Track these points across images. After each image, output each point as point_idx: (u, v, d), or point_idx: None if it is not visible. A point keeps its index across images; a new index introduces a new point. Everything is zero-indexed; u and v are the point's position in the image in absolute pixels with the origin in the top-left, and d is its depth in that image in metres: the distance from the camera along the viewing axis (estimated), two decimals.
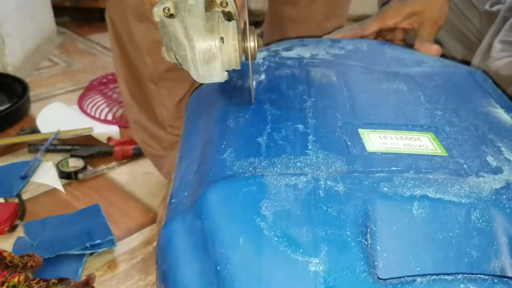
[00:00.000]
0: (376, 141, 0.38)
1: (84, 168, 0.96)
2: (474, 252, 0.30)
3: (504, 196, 0.32)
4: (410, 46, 0.65)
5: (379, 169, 0.34)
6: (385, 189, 0.32)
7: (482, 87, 0.51)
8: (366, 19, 0.65)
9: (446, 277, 0.28)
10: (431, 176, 0.33)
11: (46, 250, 0.72)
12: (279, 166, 0.34)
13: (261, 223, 0.30)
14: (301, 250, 0.28)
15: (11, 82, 1.25)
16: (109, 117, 1.11)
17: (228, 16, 0.40)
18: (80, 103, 1.18)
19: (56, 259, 0.71)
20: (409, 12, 0.63)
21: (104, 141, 1.02)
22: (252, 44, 0.40)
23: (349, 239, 0.29)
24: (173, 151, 0.80)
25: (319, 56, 0.54)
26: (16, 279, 0.60)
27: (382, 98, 0.45)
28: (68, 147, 1.02)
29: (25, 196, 0.89)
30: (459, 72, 0.54)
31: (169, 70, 0.71)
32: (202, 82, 0.39)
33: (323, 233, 0.29)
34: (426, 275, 0.28)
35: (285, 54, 0.55)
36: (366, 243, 0.29)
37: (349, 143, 0.38)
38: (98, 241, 0.73)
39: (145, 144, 0.83)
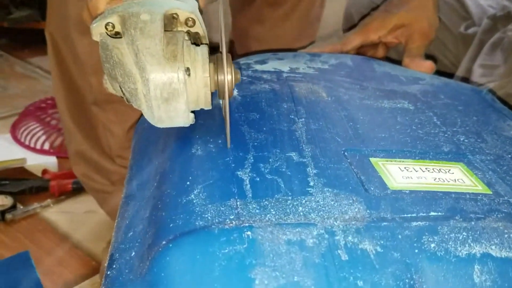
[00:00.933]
0: (397, 174, 0.28)
1: (13, 207, 0.81)
2: None
3: None
4: (396, 62, 0.57)
5: (414, 215, 0.24)
6: (432, 245, 0.22)
7: (495, 107, 0.43)
8: (346, 33, 0.57)
9: None
10: (486, 224, 0.24)
11: None
12: (274, 212, 0.24)
13: None
14: None
15: None
16: (46, 146, 0.97)
17: (195, 40, 0.31)
18: (14, 131, 1.03)
19: None
20: (396, 24, 0.56)
21: (39, 174, 0.88)
22: (229, 77, 0.30)
23: None
24: (122, 187, 0.68)
25: (300, 70, 0.45)
26: None
27: (388, 119, 0.36)
28: None
29: None
30: (464, 91, 0.46)
31: None
32: (159, 125, 0.29)
33: None
34: None
35: (258, 67, 0.45)
36: None
37: (362, 177, 0.28)
38: None
39: (88, 178, 0.70)
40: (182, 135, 0.33)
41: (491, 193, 0.28)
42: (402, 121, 0.36)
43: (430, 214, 0.25)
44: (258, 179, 0.27)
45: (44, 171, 0.88)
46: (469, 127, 0.37)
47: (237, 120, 0.34)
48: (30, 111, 1.10)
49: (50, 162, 0.92)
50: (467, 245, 0.22)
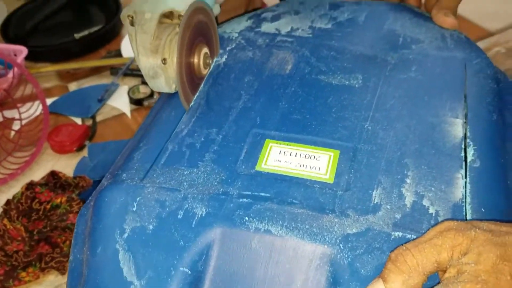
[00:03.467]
0: (274, 156, 0.38)
1: (150, 96, 1.06)
2: None
3: (349, 245, 0.32)
4: None
5: (249, 193, 0.36)
6: (237, 218, 0.34)
7: (463, 84, 0.45)
8: None
9: None
10: (290, 209, 0.34)
11: (98, 173, 0.86)
12: (163, 178, 0.38)
13: (118, 237, 0.34)
14: (132, 271, 0.32)
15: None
16: None
17: None
18: None
19: None
20: None
21: None
22: (196, 60, 0.45)
23: (173, 268, 0.32)
24: None
25: (297, 33, 0.52)
26: (58, 200, 0.75)
27: (322, 98, 0.43)
28: (141, 73, 1.11)
29: (98, 118, 1.03)
30: (453, 60, 0.47)
31: None
32: (154, 89, 0.46)
33: (157, 257, 0.33)
34: None
35: (264, 26, 0.54)
36: (191, 273, 0.32)
37: (244, 156, 0.39)
38: None
39: None
40: (168, 100, 0.47)
41: (332, 183, 0.36)
42: (332, 102, 0.43)
43: (260, 194, 0.35)
44: (176, 149, 0.40)
45: None
46: (395, 111, 0.42)
47: (207, 92, 0.46)
48: None
49: None
50: (261, 221, 0.33)
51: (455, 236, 0.28)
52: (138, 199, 0.36)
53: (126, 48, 1.19)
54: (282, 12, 0.56)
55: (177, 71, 0.42)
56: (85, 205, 0.41)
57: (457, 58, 0.48)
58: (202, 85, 0.47)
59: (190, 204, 0.35)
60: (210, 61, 0.48)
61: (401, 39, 0.51)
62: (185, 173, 0.38)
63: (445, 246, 0.28)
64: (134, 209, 0.36)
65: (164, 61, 0.42)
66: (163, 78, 0.43)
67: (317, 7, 0.56)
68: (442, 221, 0.31)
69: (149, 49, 0.42)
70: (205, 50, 0.47)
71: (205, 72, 0.48)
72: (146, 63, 0.43)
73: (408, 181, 0.36)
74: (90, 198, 0.42)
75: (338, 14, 0.54)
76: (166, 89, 0.45)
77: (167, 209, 0.35)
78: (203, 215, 0.34)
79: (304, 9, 0.56)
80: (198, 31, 0.45)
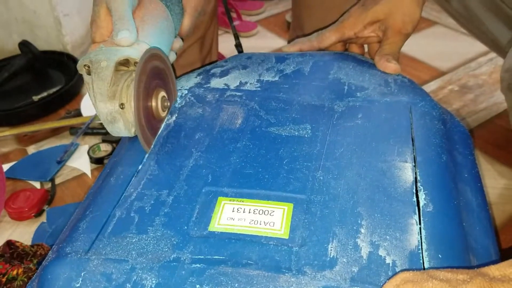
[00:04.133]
0: (227, 215, 0.37)
1: (111, 154, 1.04)
2: None
3: None
4: None
5: (202, 257, 0.34)
6: (189, 287, 0.32)
7: (409, 128, 0.45)
8: (322, 30, 0.60)
9: None
10: (245, 271, 0.33)
11: (57, 238, 0.82)
12: (109, 248, 0.36)
13: None
14: None
15: (66, 60, 1.34)
16: None
17: None
18: None
19: None
20: (371, 20, 0.57)
21: None
22: (153, 103, 0.46)
23: None
24: None
25: (246, 87, 0.52)
26: (15, 272, 0.71)
27: (273, 151, 0.43)
28: (103, 131, 1.10)
29: (58, 180, 0.99)
30: (398, 104, 0.48)
31: None
32: (113, 135, 0.46)
33: None
34: None
35: (214, 82, 0.54)
36: None
37: (196, 217, 0.37)
38: None
39: None
40: (118, 162, 0.46)
41: (287, 238, 0.35)
42: (282, 154, 0.43)
43: (214, 257, 0.34)
44: (123, 216, 0.38)
45: None
46: (345, 158, 0.42)
47: (157, 152, 0.45)
48: None
49: None
50: (215, 287, 0.32)
51: None
52: (82, 274, 0.34)
53: (86, 107, 1.18)
54: (230, 67, 0.56)
55: (135, 114, 0.42)
56: (30, 282, 0.38)
57: (402, 102, 0.49)
58: (152, 146, 0.46)
59: (138, 275, 0.33)
60: (168, 104, 0.49)
61: (346, 88, 0.51)
62: (134, 240, 0.36)
63: None
64: (78, 285, 0.33)
65: (122, 106, 0.43)
66: (122, 122, 0.44)
67: (264, 61, 0.57)
68: (398, 272, 0.30)
69: (106, 95, 0.42)
70: (163, 93, 0.47)
71: (163, 114, 0.48)
72: (104, 109, 0.43)
73: (362, 230, 0.35)
74: (36, 274, 0.39)
75: (284, 67, 0.55)
76: (125, 133, 0.45)
77: (114, 282, 0.33)
78: (153, 286, 0.33)
79: (251, 63, 0.57)
80: (155, 76, 0.46)
